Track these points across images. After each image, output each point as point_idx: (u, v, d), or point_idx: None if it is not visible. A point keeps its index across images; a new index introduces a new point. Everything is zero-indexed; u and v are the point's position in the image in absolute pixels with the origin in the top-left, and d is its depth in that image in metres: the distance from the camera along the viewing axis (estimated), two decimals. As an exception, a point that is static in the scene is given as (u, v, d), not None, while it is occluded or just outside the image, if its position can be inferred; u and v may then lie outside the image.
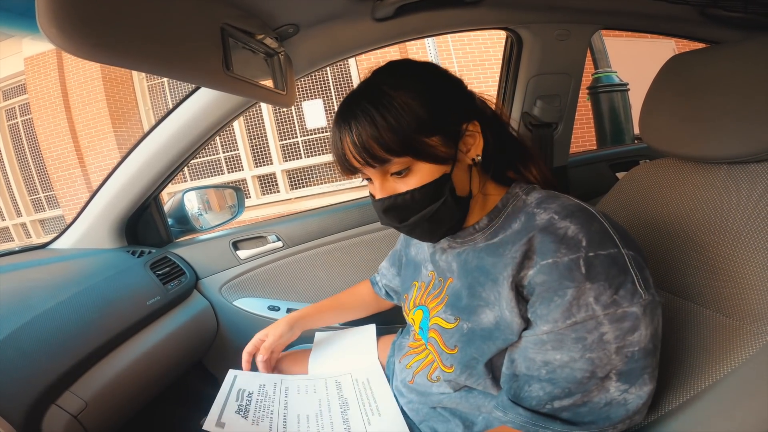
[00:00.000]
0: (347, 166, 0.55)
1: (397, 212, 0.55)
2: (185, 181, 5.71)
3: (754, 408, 0.48)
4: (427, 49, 5.02)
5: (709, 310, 0.59)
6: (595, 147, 4.18)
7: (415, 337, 0.69)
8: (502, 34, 1.14)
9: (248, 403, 0.71)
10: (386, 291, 0.91)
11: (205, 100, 0.97)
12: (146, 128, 5.63)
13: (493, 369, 0.56)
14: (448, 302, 0.60)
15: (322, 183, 5.78)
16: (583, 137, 5.21)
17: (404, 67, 0.56)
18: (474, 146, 0.56)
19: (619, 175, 1.41)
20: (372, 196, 0.59)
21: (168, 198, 1.32)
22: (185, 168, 1.14)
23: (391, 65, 0.57)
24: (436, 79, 0.56)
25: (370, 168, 0.53)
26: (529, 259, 0.49)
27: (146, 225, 1.21)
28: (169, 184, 1.16)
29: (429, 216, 0.55)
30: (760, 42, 0.60)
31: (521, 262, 0.50)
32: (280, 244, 1.25)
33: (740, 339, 0.53)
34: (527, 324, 0.51)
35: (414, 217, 0.55)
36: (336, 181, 5.75)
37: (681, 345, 0.60)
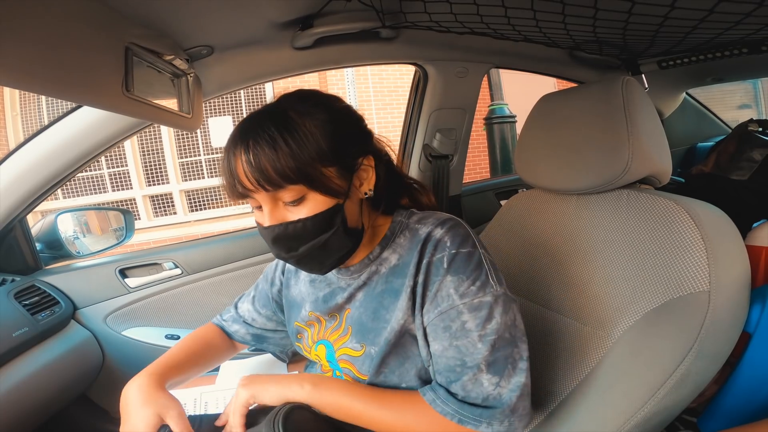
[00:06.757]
0: (238, 188, 0.52)
1: (287, 241, 0.54)
2: (56, 198, 4.89)
3: (611, 402, 0.57)
4: (345, 73, 5.13)
5: (569, 318, 0.69)
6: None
7: (323, 369, 0.69)
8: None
9: None
10: (252, 336, 0.79)
11: (97, 115, 0.89)
12: (11, 138, 4.70)
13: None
14: (353, 331, 0.61)
15: (226, 205, 5.41)
16: (480, 164, 5.72)
17: (313, 96, 0.57)
18: (367, 180, 0.58)
19: (503, 202, 1.60)
20: (259, 224, 0.57)
21: (36, 220, 1.17)
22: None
23: (300, 93, 0.57)
24: (340, 112, 0.57)
25: (263, 192, 0.51)
26: (420, 263, 0.56)
27: (9, 250, 1.05)
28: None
29: (319, 245, 0.54)
30: (606, 82, 0.66)
31: (416, 272, 0.56)
32: (178, 271, 1.17)
33: (593, 343, 0.63)
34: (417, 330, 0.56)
35: (304, 247, 0.54)
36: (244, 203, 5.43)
37: (551, 351, 0.68)
